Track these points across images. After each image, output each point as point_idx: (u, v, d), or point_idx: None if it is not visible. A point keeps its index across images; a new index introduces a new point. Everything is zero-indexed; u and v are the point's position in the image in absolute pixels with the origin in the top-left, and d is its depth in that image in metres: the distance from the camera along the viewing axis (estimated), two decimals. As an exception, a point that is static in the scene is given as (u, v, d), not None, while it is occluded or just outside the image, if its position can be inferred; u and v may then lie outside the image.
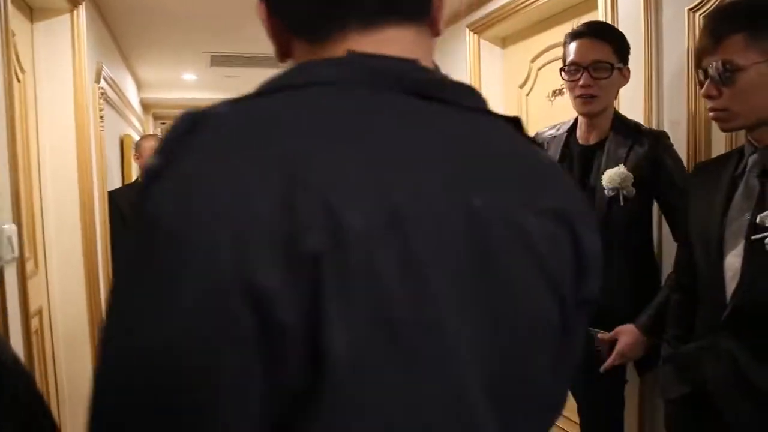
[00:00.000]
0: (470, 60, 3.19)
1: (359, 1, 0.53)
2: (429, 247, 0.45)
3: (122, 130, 3.69)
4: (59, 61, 2.44)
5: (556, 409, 0.61)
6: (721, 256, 1.25)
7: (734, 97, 1.20)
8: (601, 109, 1.74)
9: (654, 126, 2.00)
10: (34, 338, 2.26)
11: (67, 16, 2.44)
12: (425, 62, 0.56)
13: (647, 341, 1.64)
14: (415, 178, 0.46)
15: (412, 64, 0.54)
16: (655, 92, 1.99)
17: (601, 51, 1.69)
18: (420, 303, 0.44)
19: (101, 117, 2.84)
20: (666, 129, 1.95)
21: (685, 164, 1.84)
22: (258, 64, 4.39)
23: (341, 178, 0.43)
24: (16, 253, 1.57)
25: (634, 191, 1.66)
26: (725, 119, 1.25)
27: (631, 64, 2.05)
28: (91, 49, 2.71)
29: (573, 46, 1.73)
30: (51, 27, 2.42)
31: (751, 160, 1.26)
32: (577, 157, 1.82)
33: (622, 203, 1.67)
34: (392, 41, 0.54)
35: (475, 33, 3.15)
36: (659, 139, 1.74)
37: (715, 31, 1.21)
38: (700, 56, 1.25)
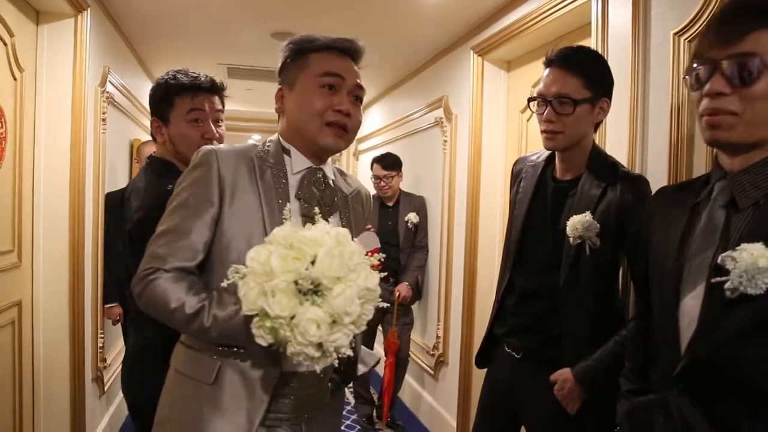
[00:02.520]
0: (473, 82, 3.16)
1: None
2: None
3: (133, 134, 3.78)
4: (60, 63, 2.53)
5: None
6: (676, 299, 1.09)
7: (751, 101, 0.97)
8: (567, 145, 1.62)
9: (638, 156, 1.93)
10: (9, 329, 2.32)
11: (72, 20, 2.53)
12: None
13: (580, 390, 1.56)
14: None
15: None
16: (641, 120, 1.92)
17: (567, 84, 1.56)
18: None
19: (104, 120, 2.92)
20: (650, 158, 1.88)
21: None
22: (274, 78, 4.46)
23: None
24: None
25: (598, 242, 1.54)
26: (730, 126, 1.00)
27: (618, 90, 2.01)
28: (96, 53, 2.80)
29: (544, 74, 1.63)
30: (55, 30, 2.52)
31: (718, 186, 1.08)
32: (551, 194, 1.72)
33: (587, 253, 1.55)
34: None
35: (479, 55, 3.13)
36: (635, 184, 1.60)
37: (740, 19, 0.99)
38: (707, 48, 1.03)
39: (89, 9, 2.59)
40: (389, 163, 3.75)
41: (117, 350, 3.40)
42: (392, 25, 3.21)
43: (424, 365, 3.87)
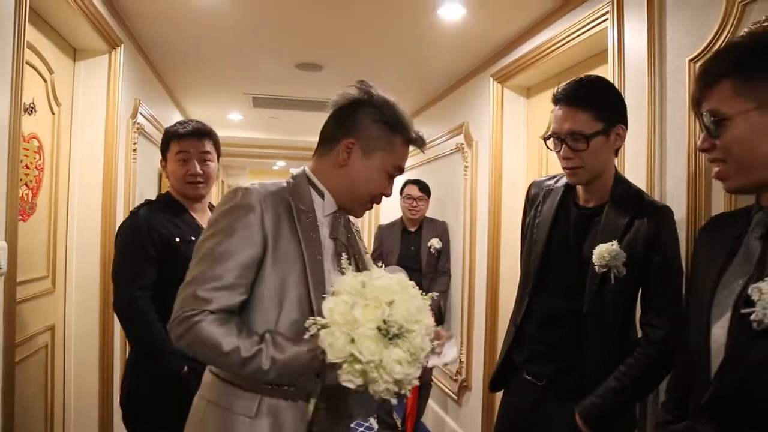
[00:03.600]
0: (493, 109, 3.21)
1: None
2: None
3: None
4: (95, 97, 2.65)
5: None
6: (708, 326, 1.09)
7: (725, 151, 1.04)
8: (590, 177, 1.63)
9: (657, 182, 1.93)
10: (42, 352, 2.39)
11: (106, 56, 2.65)
12: None
13: (588, 425, 1.56)
14: None
15: None
16: (658, 145, 1.94)
17: (578, 120, 1.56)
18: None
19: (134, 150, 3.03)
20: (668, 184, 1.89)
21: (684, 220, 1.77)
22: (296, 107, 4.58)
23: None
24: (4, 269, 1.68)
25: (624, 271, 1.54)
26: (724, 176, 1.07)
27: (636, 116, 2.03)
28: (128, 86, 2.92)
29: (555, 112, 1.63)
30: (90, 66, 2.65)
31: (755, 219, 1.09)
32: (574, 221, 1.71)
33: (612, 282, 1.55)
34: None
35: (498, 82, 3.18)
36: (662, 215, 1.60)
37: (703, 77, 1.07)
38: (693, 105, 1.12)
39: (122, 45, 2.71)
40: (423, 186, 3.82)
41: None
42: (413, 54, 3.29)
43: (447, 390, 3.85)
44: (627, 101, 2.09)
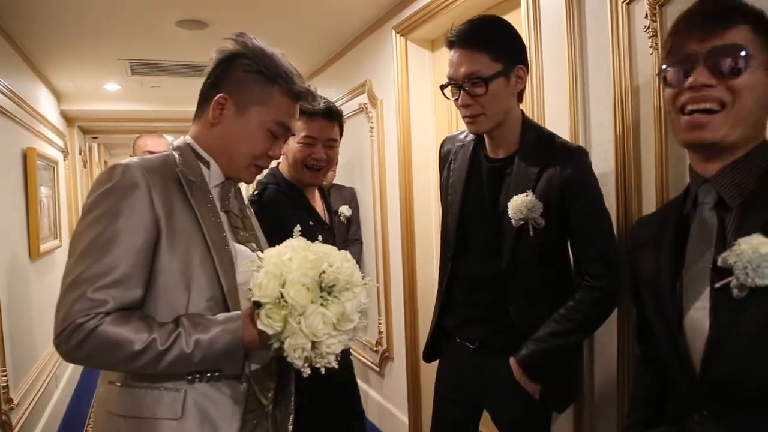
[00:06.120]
0: (397, 64, 3.03)
1: None
2: None
3: (26, 143, 3.39)
4: None
5: None
6: (679, 314, 1.00)
7: (738, 93, 0.94)
8: (492, 125, 1.54)
9: (581, 131, 1.85)
10: None
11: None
12: None
13: (527, 377, 1.51)
14: None
15: None
16: (581, 93, 1.85)
17: (474, 62, 1.46)
18: None
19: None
20: (592, 133, 1.81)
21: (613, 172, 1.70)
22: (181, 73, 4.16)
23: None
24: None
25: (543, 222, 1.47)
26: (715, 127, 0.95)
27: (554, 65, 1.93)
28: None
29: (450, 57, 1.52)
30: None
31: (702, 191, 1.02)
32: (486, 175, 1.62)
33: (531, 233, 1.48)
34: None
35: (401, 35, 3.00)
36: (575, 157, 1.53)
37: (721, 14, 0.97)
38: (683, 43, 0.99)
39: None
40: None
41: (27, 385, 3.03)
42: (308, 5, 3.01)
43: (368, 362, 3.72)
44: (545, 48, 2.00)
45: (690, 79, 0.96)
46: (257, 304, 1.06)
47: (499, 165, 1.58)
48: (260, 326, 1.06)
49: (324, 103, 1.94)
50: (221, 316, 1.13)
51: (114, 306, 1.07)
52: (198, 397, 1.14)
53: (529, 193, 1.47)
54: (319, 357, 1.06)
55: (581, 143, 1.82)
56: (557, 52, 1.91)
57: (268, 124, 1.25)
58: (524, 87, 1.57)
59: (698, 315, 0.97)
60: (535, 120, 1.98)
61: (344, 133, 2.11)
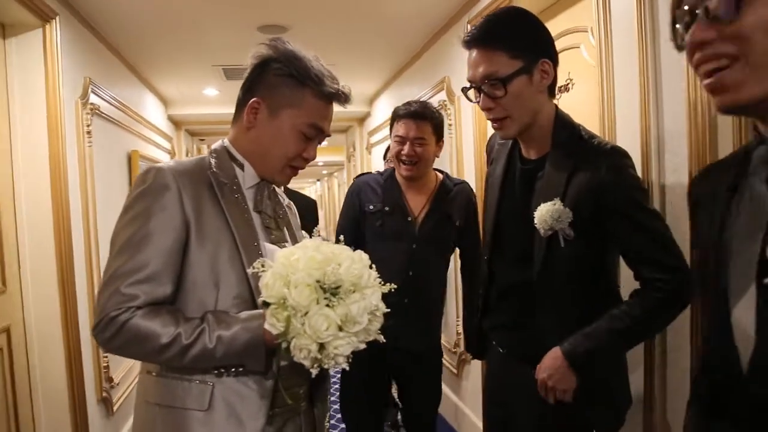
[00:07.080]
0: (474, 59, 2.94)
1: None
2: None
3: (130, 146, 3.69)
4: (32, 77, 2.42)
5: None
6: (726, 311, 0.78)
7: (746, 38, 0.68)
8: (521, 127, 1.41)
9: (653, 135, 1.68)
10: (-4, 356, 2.23)
11: (39, 30, 2.41)
12: None
13: (572, 371, 1.34)
14: None
15: None
16: (653, 81, 1.69)
17: (491, 62, 1.34)
18: None
19: (88, 133, 2.81)
20: (666, 123, 1.65)
21: (686, 159, 1.52)
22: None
23: None
24: None
25: (572, 233, 1.33)
26: (736, 84, 0.70)
27: (624, 60, 1.79)
28: (73, 64, 2.69)
29: (468, 58, 1.41)
30: (22, 42, 2.41)
31: (756, 155, 0.78)
32: (519, 178, 1.51)
33: (562, 244, 1.34)
34: None
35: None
36: (607, 158, 1.34)
37: None
38: None
39: (57, 18, 2.47)
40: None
41: (128, 367, 3.31)
42: (383, 6, 3.01)
43: (447, 364, 3.67)
44: (615, 37, 1.85)
45: (688, 38, 0.74)
46: (265, 304, 1.08)
47: (531, 168, 1.46)
48: (265, 326, 1.08)
49: (416, 105, 2.21)
50: (244, 313, 1.15)
51: (145, 300, 1.12)
52: (225, 390, 1.17)
53: (557, 201, 1.34)
54: (327, 358, 1.05)
55: (652, 131, 1.67)
56: (628, 34, 1.76)
57: (300, 126, 1.26)
58: (554, 81, 1.42)
59: (742, 315, 0.76)
60: (605, 117, 1.85)
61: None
